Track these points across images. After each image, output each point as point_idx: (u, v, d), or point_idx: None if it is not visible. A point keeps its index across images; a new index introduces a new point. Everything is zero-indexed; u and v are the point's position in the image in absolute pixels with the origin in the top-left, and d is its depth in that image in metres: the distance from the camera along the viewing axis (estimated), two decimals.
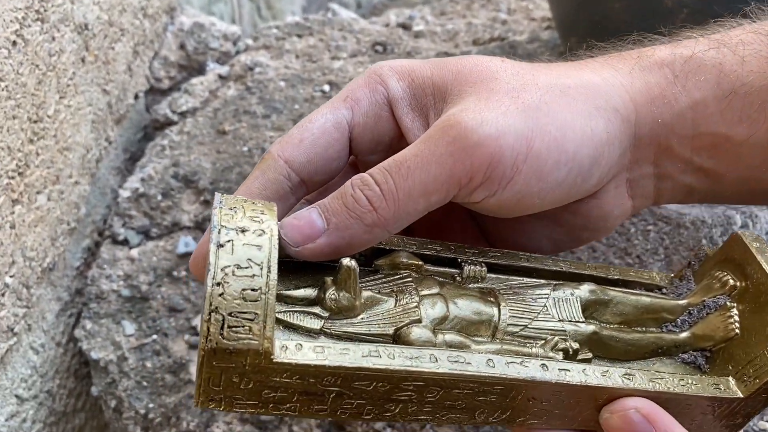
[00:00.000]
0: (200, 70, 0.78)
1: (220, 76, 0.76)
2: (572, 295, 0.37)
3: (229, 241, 0.28)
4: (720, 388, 0.36)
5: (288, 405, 0.31)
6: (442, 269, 0.37)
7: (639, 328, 0.39)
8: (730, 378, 0.37)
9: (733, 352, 0.37)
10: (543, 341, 0.35)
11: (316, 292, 0.33)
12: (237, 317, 0.28)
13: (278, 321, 0.31)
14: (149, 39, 0.75)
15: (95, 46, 0.63)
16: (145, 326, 0.58)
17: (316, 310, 0.32)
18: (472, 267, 0.37)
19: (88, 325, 0.58)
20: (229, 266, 0.28)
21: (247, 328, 0.28)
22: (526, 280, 0.38)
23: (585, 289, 0.38)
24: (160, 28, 0.78)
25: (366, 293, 0.33)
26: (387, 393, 0.31)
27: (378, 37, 0.81)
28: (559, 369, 0.33)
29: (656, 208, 0.57)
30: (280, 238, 0.31)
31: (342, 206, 0.33)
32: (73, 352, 0.61)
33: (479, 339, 0.35)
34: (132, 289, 0.60)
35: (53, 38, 0.56)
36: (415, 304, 0.33)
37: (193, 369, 0.56)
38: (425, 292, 0.34)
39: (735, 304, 0.38)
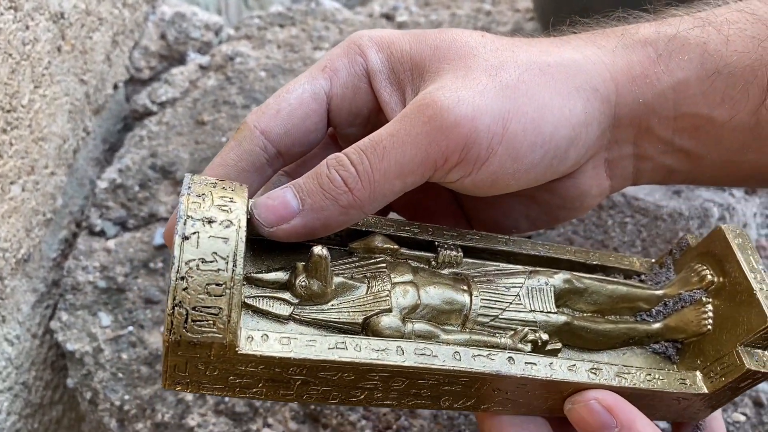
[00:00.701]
0: (181, 60, 0.77)
1: (201, 66, 0.75)
2: (546, 284, 0.37)
3: (194, 233, 0.28)
4: (686, 383, 0.36)
5: (254, 390, 0.31)
6: (418, 253, 0.37)
7: (612, 317, 0.39)
8: (698, 373, 0.37)
9: (703, 347, 0.38)
10: (512, 332, 0.35)
11: (287, 275, 0.32)
12: (201, 311, 0.27)
13: (247, 306, 0.31)
14: (129, 29, 0.74)
15: (72, 35, 0.62)
16: (121, 318, 0.58)
17: (286, 296, 0.32)
18: (448, 252, 0.36)
19: (63, 316, 0.58)
20: (194, 260, 0.28)
21: (211, 322, 0.28)
22: (502, 266, 0.38)
23: (560, 278, 0.37)
24: (141, 17, 0.77)
25: (338, 279, 0.33)
26: (353, 382, 0.31)
27: (361, 27, 0.81)
28: (525, 363, 0.33)
29: (633, 200, 0.57)
30: (253, 218, 0.31)
31: (317, 187, 0.32)
32: (49, 344, 0.61)
33: (449, 328, 0.34)
34: (108, 280, 0.59)
35: (27, 27, 0.55)
36: (386, 292, 0.33)
37: None
38: (398, 279, 0.34)
39: (711, 300, 0.38)
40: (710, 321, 0.37)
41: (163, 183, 0.64)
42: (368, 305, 0.33)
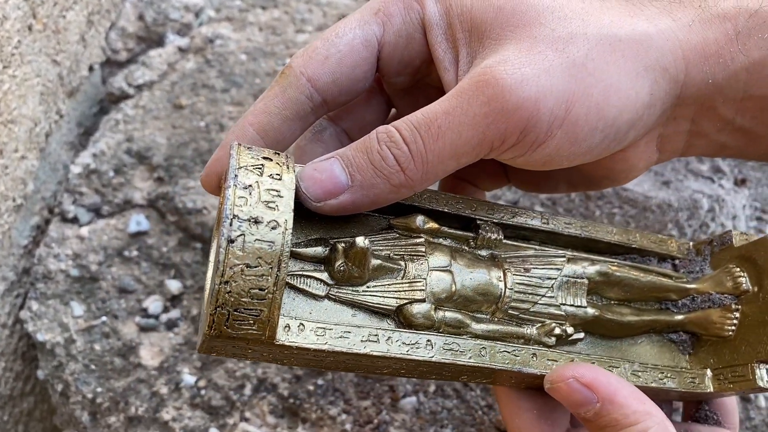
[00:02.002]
0: (159, 42, 0.75)
1: (180, 49, 0.73)
2: (582, 276, 0.36)
3: (240, 235, 0.28)
4: (695, 383, 0.37)
5: (287, 360, 0.33)
6: (457, 232, 0.36)
7: (638, 305, 0.39)
8: (708, 371, 0.37)
9: (720, 348, 0.37)
10: (540, 324, 0.35)
11: (326, 251, 0.33)
12: (242, 312, 0.28)
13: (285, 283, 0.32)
14: (105, 8, 0.72)
15: (44, 13, 0.60)
16: (94, 308, 0.56)
17: (324, 276, 0.32)
18: (488, 234, 0.36)
19: (34, 306, 0.56)
20: (239, 265, 0.28)
21: (251, 321, 0.28)
22: (540, 249, 0.37)
23: (596, 270, 0.37)
24: None
25: (375, 262, 0.33)
26: (381, 365, 0.33)
27: (345, 10, 0.79)
28: (547, 360, 0.34)
29: (621, 190, 0.56)
30: (299, 191, 0.31)
31: (367, 163, 0.31)
32: (19, 334, 0.59)
33: (479, 316, 0.35)
34: (81, 269, 0.57)
35: None
36: (422, 281, 0.33)
37: (144, 353, 0.54)
38: (435, 264, 0.34)
39: (740, 307, 0.37)
40: (734, 329, 0.37)
41: (139, 168, 0.62)
42: (403, 292, 0.33)
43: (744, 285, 0.37)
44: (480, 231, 0.36)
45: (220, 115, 0.65)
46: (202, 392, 0.52)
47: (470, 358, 0.33)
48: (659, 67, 0.33)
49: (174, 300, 0.56)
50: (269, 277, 0.28)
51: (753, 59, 0.34)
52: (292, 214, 0.29)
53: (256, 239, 0.28)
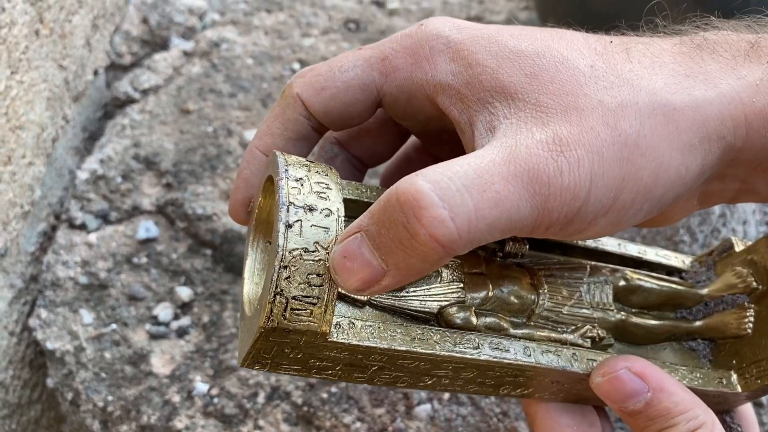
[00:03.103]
0: (164, 46, 0.74)
1: (185, 53, 0.72)
2: (606, 282, 0.37)
3: (297, 221, 0.28)
4: (723, 383, 0.37)
5: (330, 372, 0.32)
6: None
7: (658, 314, 0.39)
8: (733, 372, 0.38)
9: (740, 348, 0.38)
10: (574, 327, 0.36)
11: None
12: (301, 301, 0.28)
13: None
14: (110, 12, 0.71)
15: (50, 18, 0.59)
16: (104, 315, 0.55)
17: None
18: (515, 243, 0.36)
19: (43, 313, 0.56)
20: (297, 249, 0.28)
21: (309, 311, 0.28)
22: (563, 259, 0.38)
23: (619, 277, 0.38)
24: (122, 0, 0.74)
25: None
26: (427, 370, 0.33)
27: (351, 14, 0.79)
28: (587, 359, 0.34)
29: None
30: (336, 283, 0.29)
31: (396, 244, 0.26)
32: (27, 342, 0.58)
33: (516, 321, 0.35)
34: (90, 276, 0.57)
35: (3, 9, 0.52)
36: (460, 284, 0.33)
37: (155, 360, 0.54)
38: (470, 270, 0.34)
39: (752, 305, 0.38)
40: (751, 325, 0.38)
41: (147, 174, 0.61)
42: (442, 296, 0.33)
43: (754, 283, 0.38)
44: (506, 247, 0.36)
45: (227, 120, 0.64)
46: (215, 400, 0.51)
47: (516, 356, 0.33)
48: (716, 137, 0.30)
49: (184, 307, 0.56)
50: (326, 263, 0.28)
51: None
52: (343, 204, 0.29)
53: (312, 225, 0.28)
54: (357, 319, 0.31)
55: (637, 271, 0.39)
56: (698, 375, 0.37)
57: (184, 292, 0.56)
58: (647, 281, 0.39)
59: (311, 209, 0.29)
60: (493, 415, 0.50)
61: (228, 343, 0.54)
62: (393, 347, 0.30)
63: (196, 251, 0.58)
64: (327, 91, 0.34)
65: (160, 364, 0.54)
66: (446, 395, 0.51)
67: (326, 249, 0.28)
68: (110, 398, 0.52)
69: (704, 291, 0.40)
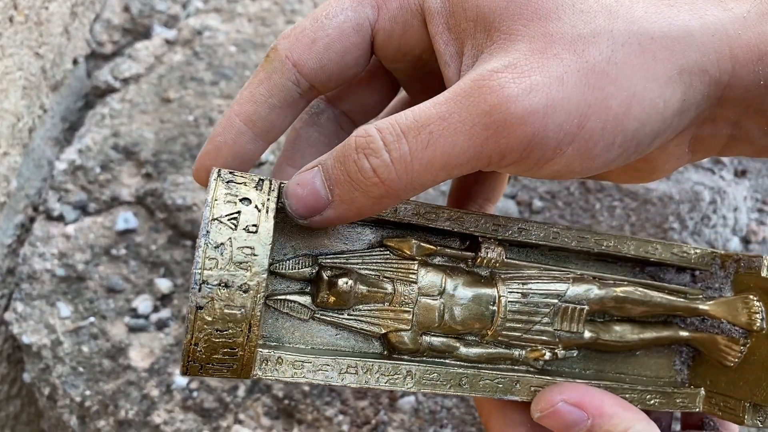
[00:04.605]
0: (146, 34, 0.73)
1: (167, 41, 0.71)
2: (584, 300, 0.34)
3: (209, 301, 0.27)
4: (684, 403, 0.36)
5: None
6: (456, 252, 0.34)
7: (642, 325, 0.37)
8: (702, 391, 0.36)
9: (718, 374, 0.36)
10: (530, 348, 0.34)
11: (313, 273, 0.32)
12: (215, 365, 0.28)
13: (268, 306, 0.31)
14: (89, 0, 0.70)
15: (25, 5, 0.58)
16: (82, 308, 0.54)
17: (307, 302, 0.32)
18: (488, 256, 0.33)
19: (19, 307, 0.54)
20: (208, 329, 0.27)
21: (225, 371, 0.29)
22: (545, 270, 0.35)
23: (604, 295, 0.35)
24: None
25: (362, 288, 0.32)
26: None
27: None
28: (531, 387, 0.33)
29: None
30: (285, 207, 0.29)
31: (345, 176, 0.28)
32: (4, 336, 0.57)
33: (469, 338, 0.34)
34: (67, 268, 0.56)
35: None
36: (408, 312, 0.32)
37: (133, 354, 0.53)
38: (425, 291, 0.32)
39: (748, 342, 0.35)
40: (735, 361, 0.35)
41: (126, 164, 0.60)
42: (388, 320, 0.32)
43: (758, 323, 0.35)
44: (479, 252, 0.34)
45: (209, 108, 0.63)
46: (195, 394, 0.50)
47: (450, 388, 0.32)
48: (698, 69, 0.28)
49: (164, 299, 0.55)
50: (240, 338, 0.28)
51: None
52: (266, 273, 0.28)
53: (226, 305, 0.27)
54: (287, 352, 0.30)
55: (631, 281, 0.36)
56: (659, 397, 0.35)
57: (164, 284, 0.55)
58: (639, 296, 0.36)
59: (227, 286, 0.27)
60: None
61: None
62: (318, 382, 0.30)
63: (175, 242, 0.57)
64: (319, 43, 0.32)
65: (138, 357, 0.52)
66: None
67: (240, 327, 0.27)
68: (88, 393, 0.51)
69: (705, 306, 0.36)
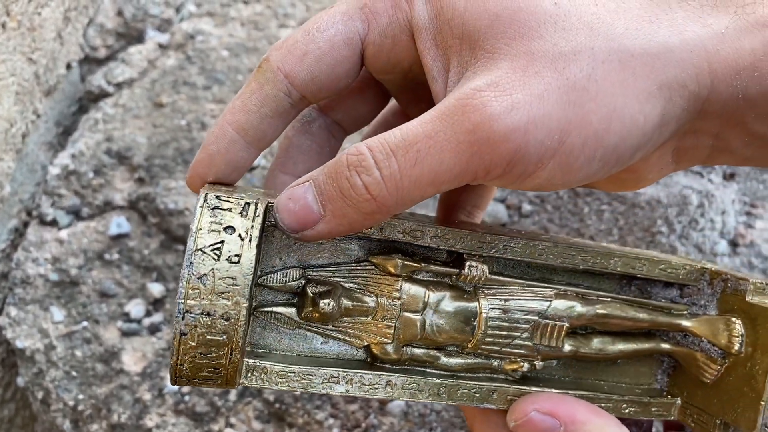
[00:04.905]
0: (139, 39, 0.73)
1: (160, 45, 0.71)
2: (565, 318, 0.35)
3: (193, 327, 0.28)
4: (660, 412, 0.37)
5: None
6: (440, 269, 0.34)
7: (624, 337, 0.37)
8: (679, 400, 0.37)
9: (694, 387, 0.37)
10: (509, 359, 0.35)
11: (300, 287, 0.33)
12: (200, 380, 0.30)
13: (256, 316, 0.33)
14: (82, 4, 0.70)
15: (18, 10, 0.58)
16: (75, 313, 0.55)
17: (292, 314, 0.33)
18: (471, 273, 0.34)
19: (13, 311, 0.55)
20: (192, 353, 0.29)
21: (211, 384, 0.30)
22: (528, 286, 0.35)
23: (586, 312, 0.35)
24: None
25: (346, 303, 0.33)
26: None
27: (328, 4, 0.77)
28: (508, 397, 0.34)
29: None
30: (276, 223, 0.30)
31: (337, 192, 0.29)
32: None
33: (450, 349, 0.35)
34: (61, 273, 0.56)
35: None
36: (390, 327, 0.33)
37: (126, 358, 0.53)
38: (407, 307, 0.33)
39: (726, 362, 0.35)
40: (712, 379, 0.36)
41: (119, 169, 0.61)
42: (371, 333, 0.33)
43: (736, 347, 0.35)
44: (463, 270, 0.34)
45: (201, 113, 0.63)
46: (186, 398, 0.51)
47: (429, 397, 0.33)
48: (677, 84, 0.29)
49: (156, 304, 0.55)
50: (223, 360, 0.29)
51: None
52: (248, 303, 0.29)
53: (208, 332, 0.29)
54: (272, 361, 0.32)
55: (614, 299, 0.36)
56: (634, 408, 0.36)
57: (156, 289, 0.55)
58: (622, 313, 0.36)
59: (209, 314, 0.28)
60: None
61: None
62: (302, 390, 0.32)
63: (168, 247, 0.57)
64: (311, 55, 0.33)
65: (131, 361, 0.53)
66: None
67: (223, 351, 0.29)
68: (81, 397, 0.51)
69: (687, 323, 0.36)
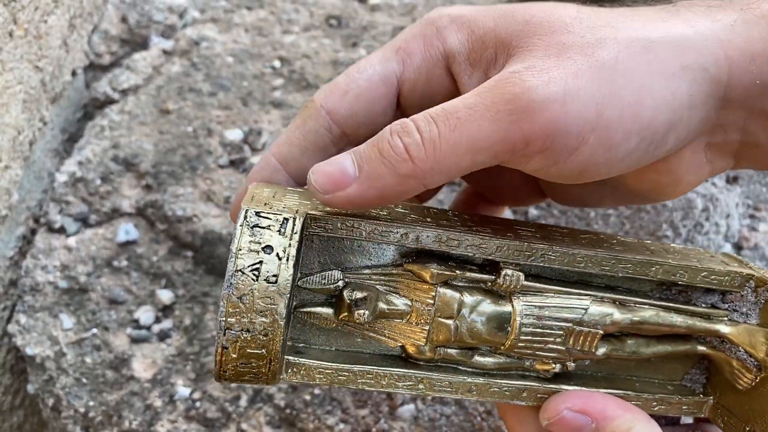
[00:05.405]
0: (144, 45, 0.73)
1: (165, 51, 0.71)
2: (599, 325, 0.35)
3: (234, 342, 0.30)
4: (689, 408, 0.37)
5: None
6: (475, 275, 0.34)
7: (655, 341, 0.37)
8: (710, 399, 0.37)
9: (728, 392, 0.37)
10: (540, 361, 0.35)
11: (338, 289, 0.34)
12: (243, 381, 0.32)
13: (296, 315, 0.34)
14: (87, 11, 0.70)
15: (24, 19, 0.58)
16: (84, 320, 0.55)
17: (331, 314, 0.34)
18: (507, 280, 0.34)
19: (22, 319, 0.55)
20: (233, 362, 0.31)
21: (252, 383, 0.32)
22: (565, 293, 0.35)
23: (622, 319, 0.35)
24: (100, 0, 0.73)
25: (381, 306, 0.34)
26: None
27: (332, 10, 0.78)
28: (538, 396, 0.35)
29: None
30: (309, 184, 0.31)
31: (376, 153, 0.30)
32: (7, 348, 0.58)
33: (483, 349, 0.35)
34: (69, 280, 0.56)
35: None
36: (425, 329, 0.34)
37: (136, 365, 0.53)
38: (441, 313, 0.34)
39: (761, 374, 0.35)
40: (745, 387, 0.35)
41: (126, 176, 0.61)
42: (405, 336, 0.35)
43: None
44: (498, 279, 0.34)
45: (207, 119, 0.64)
46: (197, 404, 0.51)
47: (460, 394, 0.35)
48: (698, 67, 0.31)
49: (166, 310, 0.56)
50: (263, 369, 0.31)
51: None
52: (285, 319, 0.30)
53: (248, 347, 0.30)
54: (311, 358, 0.33)
55: (652, 305, 0.36)
56: (663, 406, 0.36)
57: (165, 295, 0.56)
58: (660, 319, 0.36)
59: (248, 331, 0.30)
60: (477, 414, 0.50)
61: (210, 346, 0.53)
62: (340, 385, 0.34)
63: (176, 253, 0.57)
64: (350, 93, 0.36)
65: (141, 368, 0.53)
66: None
67: (263, 362, 0.31)
68: (91, 404, 0.52)
69: (725, 330, 0.36)
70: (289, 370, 0.33)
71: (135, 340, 0.54)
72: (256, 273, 0.30)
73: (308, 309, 0.34)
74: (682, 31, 0.32)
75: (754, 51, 0.32)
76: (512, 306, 0.34)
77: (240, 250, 0.30)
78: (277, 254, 0.30)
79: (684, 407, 0.37)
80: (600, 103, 0.30)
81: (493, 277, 0.34)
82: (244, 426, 0.50)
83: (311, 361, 0.33)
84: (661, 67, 0.31)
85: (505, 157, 0.30)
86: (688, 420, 0.40)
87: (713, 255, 0.39)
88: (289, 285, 0.30)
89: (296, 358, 0.33)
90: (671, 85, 0.31)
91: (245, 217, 0.30)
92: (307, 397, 0.50)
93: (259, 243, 0.30)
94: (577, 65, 0.30)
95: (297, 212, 0.31)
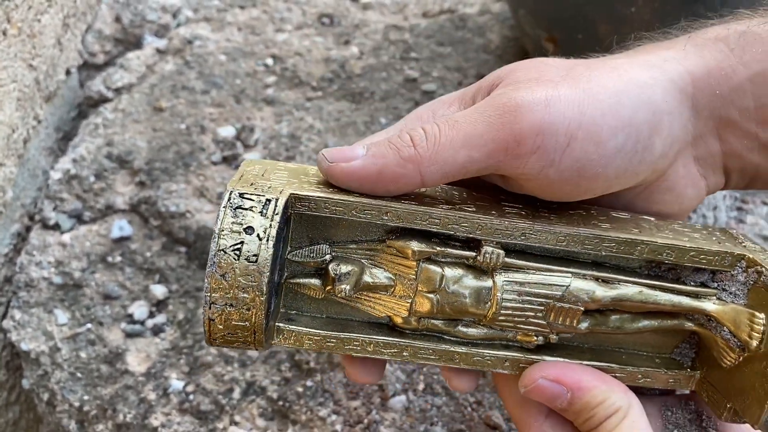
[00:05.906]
0: (137, 44, 0.74)
1: (158, 50, 0.72)
2: (579, 302, 0.35)
3: (220, 314, 0.32)
4: (676, 381, 0.38)
5: None
6: (456, 252, 0.35)
7: (641, 317, 0.37)
8: (697, 374, 0.38)
9: (713, 368, 0.37)
10: (523, 332, 0.36)
11: (325, 262, 0.35)
12: (232, 347, 0.34)
13: (288, 285, 0.36)
14: (81, 11, 0.71)
15: (18, 18, 0.59)
16: (79, 315, 0.55)
17: (318, 284, 0.36)
18: (488, 256, 0.34)
19: (17, 314, 0.55)
20: (221, 333, 0.33)
21: (242, 348, 0.34)
22: (545, 270, 0.35)
23: (605, 296, 0.35)
24: None
25: (366, 279, 0.35)
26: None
27: (324, 8, 0.78)
28: (520, 365, 0.36)
29: None
30: (318, 156, 0.34)
31: (386, 141, 0.34)
32: (2, 344, 0.58)
33: (467, 320, 0.37)
34: (64, 276, 0.57)
35: None
36: (407, 303, 0.36)
37: (130, 359, 0.54)
38: (422, 287, 0.36)
39: (745, 354, 0.35)
40: (728, 365, 0.36)
41: (120, 173, 0.61)
42: (389, 307, 0.36)
43: (754, 344, 0.34)
44: (479, 256, 0.35)
45: (200, 117, 0.64)
46: (191, 397, 0.51)
47: (444, 362, 0.36)
48: (665, 79, 0.35)
49: (159, 305, 0.56)
50: (249, 337, 0.33)
51: (754, 71, 0.36)
52: (266, 295, 0.32)
53: (233, 320, 0.32)
54: (301, 326, 0.35)
55: (637, 282, 0.36)
56: (649, 378, 0.37)
57: (159, 290, 0.56)
58: (645, 297, 0.36)
59: (232, 305, 0.32)
60: (468, 405, 0.50)
61: (203, 340, 0.54)
62: (329, 351, 0.36)
63: (170, 249, 0.58)
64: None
65: (135, 362, 0.54)
66: (421, 386, 0.51)
67: (248, 332, 0.33)
68: (86, 398, 0.52)
69: (711, 309, 0.36)
70: (280, 336, 0.35)
71: (129, 335, 0.54)
72: (237, 253, 0.32)
73: (298, 280, 0.35)
74: (644, 58, 0.36)
75: (709, 67, 0.36)
76: (493, 281, 0.35)
77: (222, 230, 0.32)
78: (258, 235, 0.32)
79: (671, 381, 0.37)
80: (581, 104, 0.33)
81: (474, 254, 0.35)
82: (237, 418, 0.50)
83: (301, 328, 0.35)
84: (632, 77, 0.35)
85: (499, 156, 0.33)
86: (684, 390, 0.41)
87: (710, 231, 0.39)
88: (268, 264, 0.31)
89: (287, 325, 0.35)
90: (646, 92, 0.34)
91: (229, 199, 0.32)
92: (300, 389, 0.51)
93: (241, 224, 0.32)
94: (555, 82, 0.34)
95: (281, 192, 0.32)
